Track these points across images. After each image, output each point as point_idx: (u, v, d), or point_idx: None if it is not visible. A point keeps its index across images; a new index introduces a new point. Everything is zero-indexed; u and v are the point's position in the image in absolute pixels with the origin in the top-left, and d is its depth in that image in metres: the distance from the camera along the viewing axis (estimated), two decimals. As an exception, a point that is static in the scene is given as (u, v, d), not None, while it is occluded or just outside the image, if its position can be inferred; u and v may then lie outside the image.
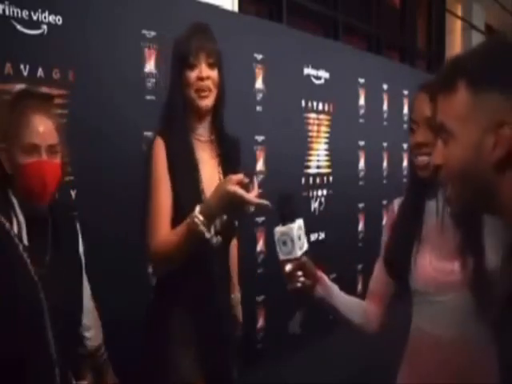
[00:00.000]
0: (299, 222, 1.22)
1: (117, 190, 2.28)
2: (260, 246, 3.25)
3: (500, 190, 0.80)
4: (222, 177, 1.57)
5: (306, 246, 1.23)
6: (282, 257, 1.22)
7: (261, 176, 3.24)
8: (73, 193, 2.15)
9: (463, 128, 0.81)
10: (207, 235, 1.39)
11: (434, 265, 1.22)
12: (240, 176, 1.36)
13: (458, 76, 0.82)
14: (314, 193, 3.70)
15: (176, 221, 1.48)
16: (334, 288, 1.33)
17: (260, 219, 3.19)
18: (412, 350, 1.30)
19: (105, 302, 2.20)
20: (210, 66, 1.51)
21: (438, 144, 0.86)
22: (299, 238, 1.21)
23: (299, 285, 1.22)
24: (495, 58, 0.80)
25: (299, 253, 1.21)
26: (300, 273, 1.22)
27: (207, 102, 1.51)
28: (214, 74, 1.52)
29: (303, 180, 3.64)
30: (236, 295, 1.80)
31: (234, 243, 1.82)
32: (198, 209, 1.40)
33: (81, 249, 1.52)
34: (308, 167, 3.65)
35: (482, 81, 0.80)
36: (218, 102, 1.55)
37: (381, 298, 1.37)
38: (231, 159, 1.62)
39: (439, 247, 1.23)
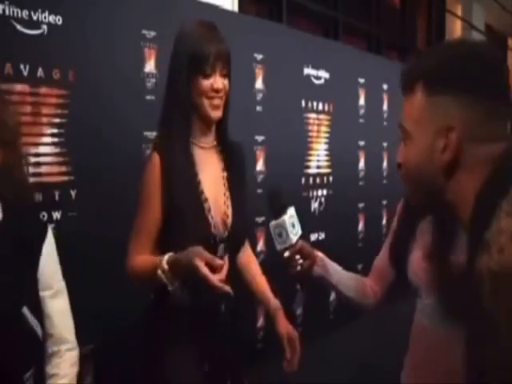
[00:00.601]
0: (291, 211, 1.29)
1: (117, 190, 2.28)
2: (260, 245, 3.25)
3: (447, 190, 0.82)
4: (227, 183, 1.54)
5: (300, 232, 1.30)
6: (279, 247, 1.30)
7: (261, 176, 3.24)
8: (73, 193, 2.15)
9: (418, 130, 0.84)
10: (170, 287, 1.36)
11: (423, 262, 1.27)
12: (210, 257, 1.30)
13: (416, 78, 0.84)
14: (314, 193, 3.70)
15: (176, 233, 1.45)
16: (332, 266, 1.40)
17: (260, 219, 3.19)
18: (411, 342, 1.34)
19: (103, 303, 2.21)
20: (224, 76, 1.47)
21: (401, 144, 0.89)
22: (293, 226, 1.29)
23: (298, 268, 1.30)
24: (452, 62, 0.81)
25: (294, 239, 1.28)
26: (298, 256, 1.30)
27: (219, 113, 1.48)
28: (226, 84, 1.48)
29: (303, 180, 3.64)
30: (271, 305, 1.62)
31: (248, 253, 1.72)
32: (166, 258, 1.36)
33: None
34: (308, 167, 3.65)
35: (437, 84, 0.81)
36: (225, 110, 1.52)
37: (382, 276, 1.43)
38: (236, 165, 1.59)
39: (427, 245, 1.28)
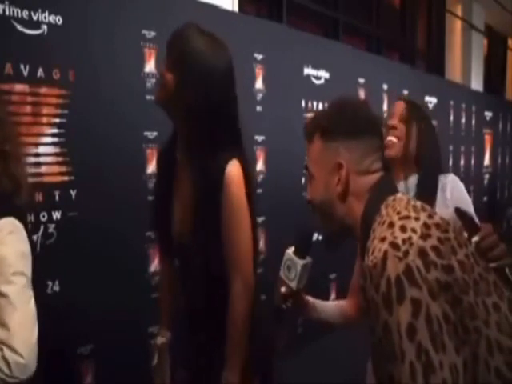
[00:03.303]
0: (308, 263, 1.28)
1: (117, 190, 2.29)
2: (260, 246, 3.25)
3: (345, 216, 1.05)
4: (192, 201, 1.53)
5: (304, 283, 1.30)
6: (282, 274, 1.31)
7: (261, 176, 3.24)
8: (73, 193, 2.15)
9: (318, 169, 1.08)
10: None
11: None
12: None
13: (315, 130, 1.09)
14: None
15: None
16: (317, 304, 1.43)
17: (260, 219, 3.19)
18: None
19: (105, 301, 2.21)
20: (169, 70, 1.44)
21: (308, 184, 1.12)
22: (302, 276, 1.28)
23: (284, 307, 1.31)
24: (338, 117, 1.07)
25: (297, 286, 1.28)
26: (290, 299, 1.31)
27: None
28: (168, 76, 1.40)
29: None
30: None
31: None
32: None
33: None
34: (308, 167, 3.64)
35: (329, 132, 1.06)
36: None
37: (358, 291, 1.45)
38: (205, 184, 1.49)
39: None
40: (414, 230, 0.89)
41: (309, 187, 1.11)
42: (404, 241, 0.87)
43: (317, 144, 1.08)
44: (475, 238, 1.25)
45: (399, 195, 1.02)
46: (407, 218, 0.93)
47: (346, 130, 1.05)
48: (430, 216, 0.95)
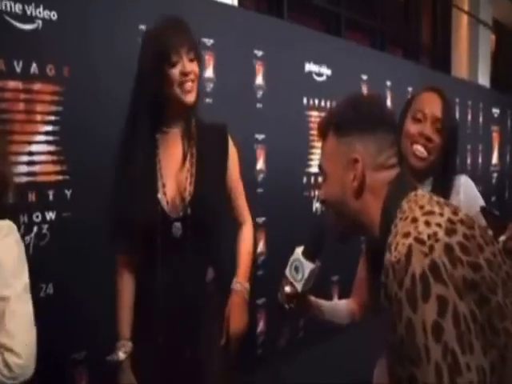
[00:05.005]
0: (316, 267, 1.27)
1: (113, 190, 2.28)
2: (260, 247, 3.25)
3: (360, 213, 1.05)
4: (193, 162, 1.58)
5: (310, 286, 1.29)
6: (288, 274, 1.29)
7: (261, 175, 3.24)
8: (68, 192, 2.15)
9: (332, 167, 1.08)
10: None
11: None
12: None
13: (328, 126, 1.10)
14: (316, 192, 3.70)
15: (126, 210, 1.54)
16: (321, 305, 1.42)
17: (261, 220, 3.19)
18: None
19: (100, 305, 2.20)
20: (191, 60, 1.54)
21: (322, 184, 1.12)
22: (309, 279, 1.27)
23: (287, 307, 1.30)
24: (353, 111, 1.07)
25: (302, 288, 1.27)
26: (294, 300, 1.30)
27: (192, 96, 1.54)
28: (195, 67, 1.54)
29: (305, 179, 3.64)
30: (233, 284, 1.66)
31: (243, 233, 1.73)
32: None
33: None
34: (310, 166, 3.65)
35: (344, 127, 1.06)
36: (197, 94, 1.57)
37: (365, 286, 1.47)
38: (208, 145, 1.61)
39: None
40: (439, 225, 0.89)
41: (323, 187, 1.12)
42: (429, 236, 0.87)
43: (331, 140, 1.09)
44: (502, 238, 1.25)
45: (420, 191, 1.02)
46: (431, 213, 0.92)
47: (361, 124, 1.05)
48: (455, 212, 0.94)
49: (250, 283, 1.68)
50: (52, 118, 2.09)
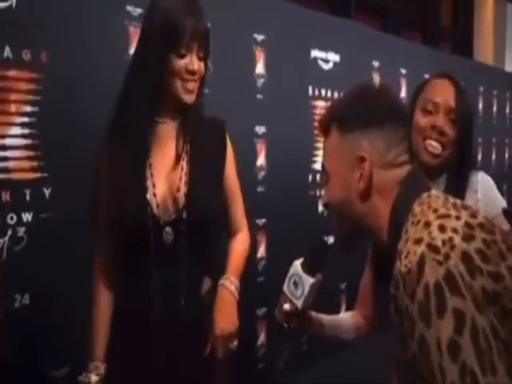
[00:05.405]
0: (317, 281, 1.25)
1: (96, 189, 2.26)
2: (261, 252, 3.24)
3: (367, 216, 1.04)
4: (188, 160, 1.55)
5: (311, 302, 1.28)
6: (286, 290, 1.28)
7: (262, 172, 3.22)
8: (46, 191, 2.14)
9: (336, 166, 1.07)
10: None
11: None
12: None
13: (331, 121, 1.08)
14: (322, 191, 3.69)
15: (113, 213, 1.52)
16: (323, 320, 1.42)
17: (261, 221, 3.18)
18: None
19: (83, 317, 2.19)
20: (200, 59, 1.51)
21: (325, 187, 1.12)
22: (308, 295, 1.25)
23: (286, 326, 1.30)
24: (358, 104, 1.06)
25: (302, 306, 1.27)
26: (294, 318, 1.29)
27: (192, 97, 1.52)
28: (202, 67, 1.52)
29: (310, 177, 3.63)
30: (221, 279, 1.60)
31: (238, 238, 1.68)
32: None
33: None
34: (315, 162, 3.64)
35: (348, 122, 1.05)
36: (199, 95, 1.56)
37: (370, 296, 1.49)
38: (205, 141, 1.59)
39: None
40: (455, 230, 0.87)
41: (325, 189, 1.11)
42: (444, 242, 0.85)
43: (334, 137, 1.07)
44: None
45: (434, 192, 1.00)
46: (447, 216, 0.91)
47: (367, 118, 1.04)
48: (473, 215, 0.92)
49: (241, 283, 1.61)
50: (28, 108, 2.07)
